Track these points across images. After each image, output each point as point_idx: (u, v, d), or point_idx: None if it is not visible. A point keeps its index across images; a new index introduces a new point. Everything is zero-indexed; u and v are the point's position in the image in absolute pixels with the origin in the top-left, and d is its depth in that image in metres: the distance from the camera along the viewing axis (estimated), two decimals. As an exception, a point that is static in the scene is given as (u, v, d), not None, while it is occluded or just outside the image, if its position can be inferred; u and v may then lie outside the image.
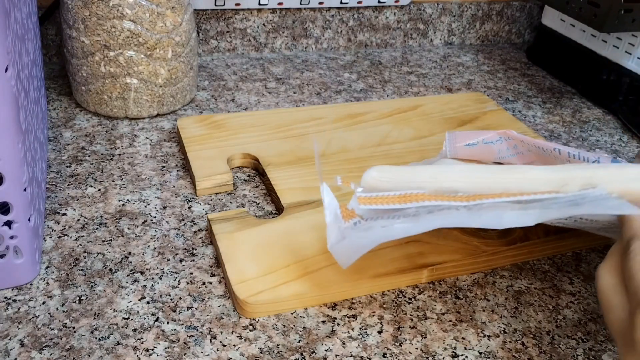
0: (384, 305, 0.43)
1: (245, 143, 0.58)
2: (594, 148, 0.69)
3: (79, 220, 0.49)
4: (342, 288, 0.43)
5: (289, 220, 0.48)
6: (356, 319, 0.42)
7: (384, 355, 0.39)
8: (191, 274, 0.44)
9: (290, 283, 0.42)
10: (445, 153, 0.51)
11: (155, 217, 0.50)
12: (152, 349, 0.38)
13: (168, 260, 0.45)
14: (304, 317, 0.42)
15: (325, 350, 0.39)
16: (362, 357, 0.39)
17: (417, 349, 0.40)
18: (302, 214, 0.49)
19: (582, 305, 0.46)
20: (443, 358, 0.39)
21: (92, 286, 0.42)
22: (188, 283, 0.43)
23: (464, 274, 0.47)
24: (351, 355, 0.39)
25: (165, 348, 0.38)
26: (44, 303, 0.41)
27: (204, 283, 0.43)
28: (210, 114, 0.64)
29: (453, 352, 0.40)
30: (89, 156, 0.57)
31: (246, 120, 0.62)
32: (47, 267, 0.43)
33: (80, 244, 0.46)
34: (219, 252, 0.44)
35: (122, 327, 0.39)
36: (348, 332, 0.41)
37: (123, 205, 0.51)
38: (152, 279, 0.43)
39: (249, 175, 0.56)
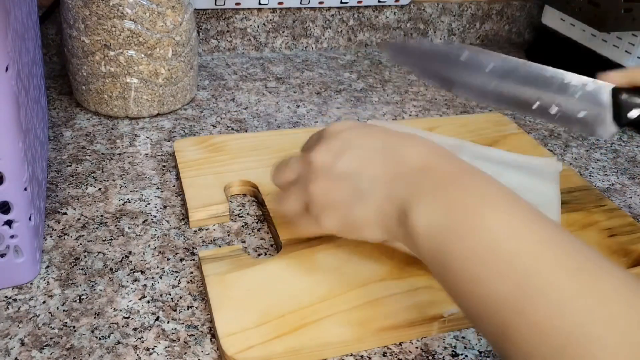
0: None
1: (244, 169, 0.54)
2: (594, 148, 0.69)
3: (79, 219, 0.49)
4: (343, 343, 0.38)
5: (287, 260, 0.44)
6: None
7: (384, 354, 0.39)
8: (191, 273, 0.44)
9: (285, 337, 0.37)
10: None
11: (155, 217, 0.50)
12: (153, 348, 0.38)
13: (168, 259, 0.45)
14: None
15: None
16: None
17: (417, 347, 0.40)
18: (301, 253, 0.45)
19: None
20: (443, 357, 0.39)
21: (92, 285, 0.42)
22: (188, 282, 0.43)
23: None
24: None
25: (166, 347, 0.38)
26: (44, 302, 0.41)
27: (204, 282, 0.43)
28: (210, 135, 0.59)
29: (453, 351, 0.40)
30: (89, 155, 0.57)
31: (247, 142, 0.58)
32: (48, 267, 0.44)
33: (81, 244, 0.46)
34: (208, 296, 0.40)
35: (123, 326, 0.39)
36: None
37: (123, 204, 0.51)
38: (153, 278, 0.44)
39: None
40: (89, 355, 0.37)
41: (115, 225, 0.48)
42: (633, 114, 0.42)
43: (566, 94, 0.45)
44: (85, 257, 0.45)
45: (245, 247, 0.47)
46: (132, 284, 0.43)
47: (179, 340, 0.39)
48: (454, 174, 0.34)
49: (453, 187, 0.33)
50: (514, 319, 0.28)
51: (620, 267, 0.28)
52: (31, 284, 0.42)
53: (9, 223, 0.39)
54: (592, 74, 0.84)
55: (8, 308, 0.40)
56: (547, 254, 0.28)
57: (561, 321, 0.26)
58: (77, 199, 0.51)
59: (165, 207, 0.51)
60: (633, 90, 0.44)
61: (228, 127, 0.65)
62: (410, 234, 0.34)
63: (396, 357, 0.39)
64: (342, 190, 0.38)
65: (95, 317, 0.40)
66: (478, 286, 0.29)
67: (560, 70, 0.46)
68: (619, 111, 0.43)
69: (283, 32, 0.85)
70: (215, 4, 0.78)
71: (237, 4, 0.79)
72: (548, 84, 0.45)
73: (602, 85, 0.45)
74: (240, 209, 0.52)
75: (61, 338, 0.38)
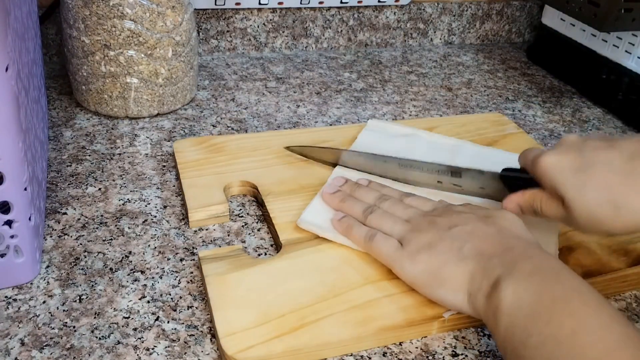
0: None
1: (244, 169, 0.54)
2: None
3: (79, 219, 0.49)
4: (343, 342, 0.38)
5: (287, 261, 0.44)
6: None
7: (384, 354, 0.39)
8: (191, 273, 0.44)
9: (285, 336, 0.37)
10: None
11: (155, 217, 0.50)
12: (153, 348, 0.38)
13: (168, 259, 0.45)
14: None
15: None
16: None
17: (417, 347, 0.40)
18: (301, 253, 0.45)
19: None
20: (443, 357, 0.39)
21: (92, 285, 0.42)
22: (188, 282, 0.43)
23: (480, 325, 0.42)
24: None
25: (166, 347, 0.38)
26: (44, 302, 0.41)
27: (204, 282, 0.43)
28: (212, 135, 0.59)
29: (453, 351, 0.40)
30: (89, 155, 0.57)
31: (247, 143, 0.58)
32: (48, 267, 0.44)
33: (81, 243, 0.46)
34: (208, 296, 0.40)
35: (123, 326, 0.39)
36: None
37: (123, 204, 0.51)
38: (153, 278, 0.44)
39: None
40: (89, 355, 0.37)
41: (115, 225, 0.48)
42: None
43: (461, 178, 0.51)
44: (85, 257, 0.45)
45: (245, 247, 0.47)
46: (132, 284, 0.43)
47: (179, 340, 0.39)
48: (552, 267, 0.37)
49: (548, 276, 0.36)
50: None
51: None
52: (31, 284, 0.42)
53: (9, 223, 0.39)
54: (592, 74, 0.84)
55: (8, 308, 0.40)
56: (621, 353, 0.30)
57: None
58: (77, 199, 0.51)
59: (165, 207, 0.51)
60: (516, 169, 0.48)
61: (228, 127, 0.65)
62: (494, 307, 0.36)
63: (396, 357, 0.39)
64: (445, 247, 0.40)
65: (95, 317, 0.40)
66: None
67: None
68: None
69: (283, 32, 0.85)
70: (215, 4, 0.78)
71: (237, 4, 0.79)
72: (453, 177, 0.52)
73: (493, 173, 0.50)
74: (240, 209, 0.52)
75: (61, 338, 0.38)
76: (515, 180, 0.47)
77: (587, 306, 0.33)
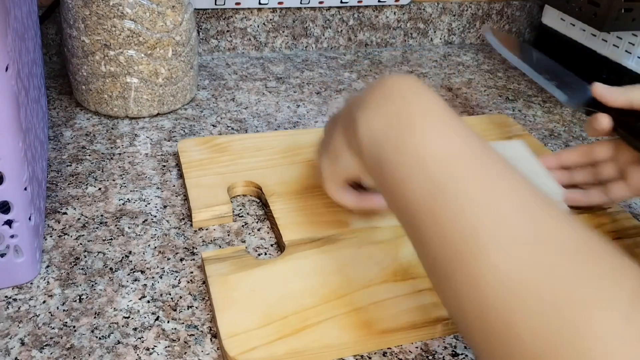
0: None
1: (248, 169, 0.54)
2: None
3: (79, 219, 0.49)
4: (345, 345, 0.38)
5: (290, 262, 0.44)
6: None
7: (384, 354, 0.39)
8: (191, 272, 0.44)
9: (288, 338, 0.37)
10: None
11: (155, 216, 0.50)
12: (153, 348, 0.38)
13: (168, 259, 0.45)
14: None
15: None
16: None
17: (417, 347, 0.40)
18: (305, 254, 0.44)
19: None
20: (443, 357, 0.39)
21: (92, 285, 0.42)
22: (188, 282, 0.43)
23: None
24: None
25: (166, 347, 0.38)
26: (44, 302, 0.41)
27: (204, 282, 0.43)
28: (213, 135, 0.58)
29: (453, 351, 0.40)
30: (89, 155, 0.57)
31: (251, 143, 0.58)
32: (48, 266, 0.44)
33: (81, 243, 0.46)
34: (211, 297, 0.40)
35: (123, 326, 0.39)
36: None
37: (123, 204, 0.51)
38: (153, 278, 0.43)
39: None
40: (89, 355, 0.37)
41: (115, 225, 0.48)
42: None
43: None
44: (85, 257, 0.45)
45: (246, 247, 0.47)
46: (132, 283, 0.43)
47: (179, 340, 0.39)
48: (397, 89, 0.36)
49: (395, 99, 0.35)
50: (425, 220, 0.30)
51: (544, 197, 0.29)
52: (31, 283, 0.42)
53: (9, 223, 0.39)
54: (592, 74, 0.84)
55: (8, 308, 0.40)
56: (475, 171, 0.30)
57: (461, 223, 0.28)
58: (77, 199, 0.51)
59: (165, 206, 0.51)
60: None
61: (228, 127, 0.65)
62: (358, 142, 0.36)
63: (396, 356, 0.39)
64: (326, 132, 0.44)
65: (95, 317, 0.40)
66: (402, 188, 0.31)
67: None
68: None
69: (283, 31, 0.85)
70: (215, 4, 0.78)
71: (237, 3, 0.79)
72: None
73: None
74: (241, 209, 0.52)
75: (61, 338, 0.38)
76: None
77: (436, 127, 0.32)
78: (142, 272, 0.44)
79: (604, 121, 0.48)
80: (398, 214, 0.33)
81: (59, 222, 0.48)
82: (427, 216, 0.30)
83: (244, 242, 0.48)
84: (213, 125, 0.65)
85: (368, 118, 0.35)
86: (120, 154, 0.58)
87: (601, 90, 0.49)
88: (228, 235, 0.48)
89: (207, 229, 0.49)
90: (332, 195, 0.45)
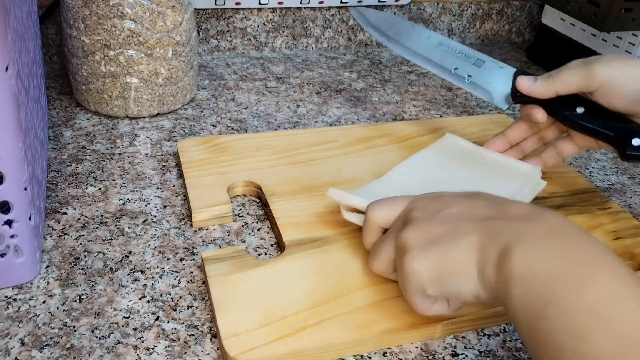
0: None
1: (248, 169, 0.54)
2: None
3: (79, 219, 0.49)
4: (345, 345, 0.38)
5: (290, 262, 0.44)
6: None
7: (384, 354, 0.39)
8: (191, 272, 0.44)
9: (288, 338, 0.37)
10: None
11: (155, 216, 0.50)
12: (153, 348, 0.38)
13: (168, 259, 0.45)
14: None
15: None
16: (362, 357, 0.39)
17: (417, 347, 0.40)
18: (305, 254, 0.44)
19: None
20: (443, 357, 0.39)
21: (92, 285, 0.42)
22: (188, 282, 0.43)
23: (485, 327, 0.42)
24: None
25: (166, 347, 0.38)
26: (44, 302, 0.41)
27: (204, 282, 0.43)
28: (213, 135, 0.58)
29: (453, 351, 0.40)
30: (89, 155, 0.57)
31: (251, 143, 0.58)
32: (48, 266, 0.44)
33: (81, 243, 0.46)
34: (211, 297, 0.40)
35: (123, 326, 0.39)
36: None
37: (123, 204, 0.51)
38: (153, 278, 0.43)
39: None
40: (89, 355, 0.37)
41: (115, 225, 0.48)
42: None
43: (480, 68, 0.57)
44: (85, 257, 0.45)
45: (246, 247, 0.47)
46: (132, 283, 0.43)
47: (179, 340, 0.39)
48: (562, 227, 0.33)
49: (567, 239, 0.32)
50: None
51: None
52: (31, 283, 0.42)
53: (9, 223, 0.39)
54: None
55: (8, 308, 0.40)
56: None
57: None
58: (77, 199, 0.51)
59: (165, 206, 0.51)
60: (531, 74, 0.54)
61: (228, 127, 0.65)
62: (506, 276, 0.31)
63: (396, 356, 0.39)
64: (438, 233, 0.36)
65: (95, 317, 0.40)
66: (570, 339, 0.28)
67: (481, 54, 0.58)
68: (514, 90, 0.54)
69: (283, 31, 0.85)
70: (215, 4, 0.78)
71: (237, 3, 0.79)
72: (467, 58, 0.58)
73: (509, 69, 0.56)
74: (240, 209, 0.52)
75: (61, 338, 0.38)
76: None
77: (615, 275, 0.29)
78: (142, 272, 0.44)
79: (539, 115, 0.52)
80: (544, 347, 0.29)
81: (59, 222, 0.48)
82: None
83: (244, 242, 0.48)
84: (213, 125, 0.65)
85: (528, 252, 0.31)
86: (120, 154, 0.58)
87: (527, 86, 0.53)
88: (228, 235, 0.48)
89: (207, 229, 0.49)
90: (419, 309, 0.38)
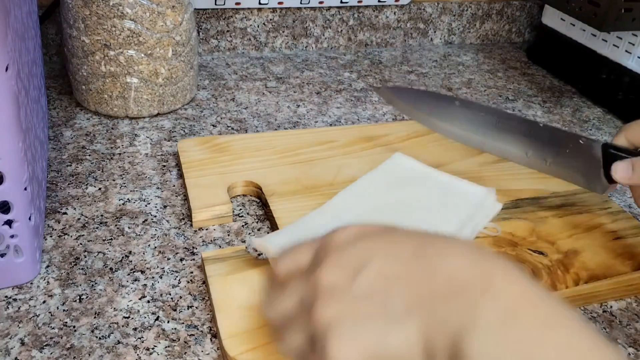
0: None
1: (248, 169, 0.54)
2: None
3: (79, 219, 0.49)
4: None
5: None
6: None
7: (385, 354, 0.39)
8: (191, 272, 0.44)
9: None
10: None
11: (155, 216, 0.50)
12: (153, 348, 0.38)
13: (168, 259, 0.45)
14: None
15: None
16: None
17: (417, 347, 0.40)
18: None
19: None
20: (443, 357, 0.39)
21: (92, 285, 0.42)
22: (188, 282, 0.43)
23: None
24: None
25: (166, 347, 0.38)
26: (44, 302, 0.41)
27: (204, 282, 0.43)
28: (213, 135, 0.58)
29: (453, 351, 0.40)
30: (89, 155, 0.57)
31: (251, 143, 0.58)
32: (48, 266, 0.44)
33: (81, 243, 0.46)
34: (211, 297, 0.40)
35: (123, 326, 0.39)
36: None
37: (123, 204, 0.51)
38: (153, 277, 0.43)
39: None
40: (89, 355, 0.37)
41: (115, 225, 0.48)
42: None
43: (557, 146, 0.43)
44: (85, 257, 0.45)
45: (246, 247, 0.47)
46: (132, 283, 0.43)
47: (179, 340, 0.39)
48: (518, 306, 0.25)
49: (527, 320, 0.25)
50: None
51: None
52: (31, 283, 0.42)
53: (9, 223, 0.39)
54: (592, 74, 0.84)
55: (8, 308, 0.40)
56: None
57: None
58: (77, 199, 0.51)
59: (165, 206, 0.51)
60: (622, 147, 0.43)
61: (228, 127, 0.65)
62: None
63: (396, 356, 0.39)
64: (365, 310, 0.27)
65: (95, 317, 0.40)
66: None
67: (548, 125, 0.47)
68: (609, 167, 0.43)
69: (283, 31, 0.85)
70: (215, 4, 0.78)
71: (237, 3, 0.79)
72: (537, 135, 0.43)
73: (594, 141, 0.44)
74: (241, 209, 0.52)
75: (61, 338, 0.38)
76: (621, 153, 0.43)
77: None
78: (142, 272, 0.44)
79: None
80: None
81: (59, 222, 0.48)
82: None
83: (243, 242, 0.48)
84: (213, 125, 0.65)
85: (484, 346, 0.24)
86: (120, 154, 0.58)
87: (626, 179, 0.42)
88: (228, 235, 0.48)
89: (207, 229, 0.49)
90: None
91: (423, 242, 0.29)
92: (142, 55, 0.60)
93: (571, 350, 0.24)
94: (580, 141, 0.44)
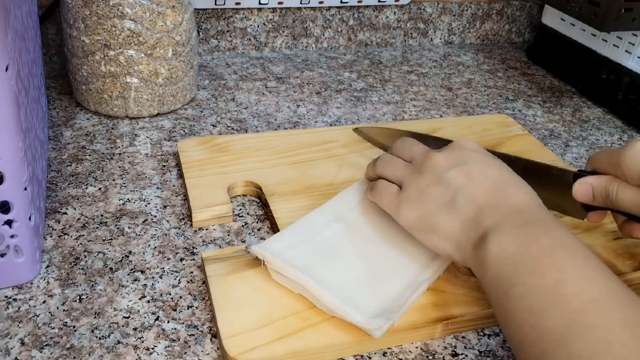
0: None
1: (248, 169, 0.54)
2: (594, 147, 0.69)
3: (79, 219, 0.49)
4: (345, 345, 0.38)
5: None
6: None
7: (384, 354, 0.39)
8: (191, 272, 0.44)
9: (288, 338, 0.37)
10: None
11: (155, 216, 0.50)
12: (153, 348, 0.38)
13: (168, 259, 0.45)
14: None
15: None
16: None
17: (417, 347, 0.40)
18: None
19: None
20: (443, 357, 0.39)
21: (92, 285, 0.42)
22: (188, 282, 0.43)
23: (485, 327, 0.42)
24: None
25: (166, 347, 0.38)
26: (44, 302, 0.41)
27: (204, 282, 0.43)
28: (213, 135, 0.58)
29: (453, 351, 0.40)
30: (89, 155, 0.57)
31: (251, 143, 0.58)
32: (48, 266, 0.44)
33: (81, 243, 0.46)
34: (211, 297, 0.40)
35: (123, 326, 0.39)
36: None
37: (123, 204, 0.51)
38: (153, 277, 0.44)
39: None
40: (89, 355, 0.37)
41: (115, 225, 0.48)
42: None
43: (532, 177, 0.44)
44: (85, 257, 0.45)
45: (246, 247, 0.47)
46: (132, 283, 0.43)
47: (179, 340, 0.39)
48: (542, 220, 0.36)
49: (536, 228, 0.35)
50: (553, 348, 0.30)
51: None
52: (31, 283, 0.42)
53: (9, 223, 0.39)
54: (592, 74, 0.84)
55: (8, 308, 0.40)
56: (605, 303, 0.30)
57: (600, 358, 0.28)
58: (77, 199, 0.51)
59: (165, 206, 0.51)
60: (593, 174, 0.43)
61: (228, 127, 0.65)
62: (481, 258, 0.36)
63: (396, 356, 0.39)
64: (440, 193, 0.40)
65: (95, 317, 0.40)
66: (530, 315, 0.32)
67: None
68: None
69: (283, 31, 0.85)
70: (215, 4, 0.78)
71: (237, 3, 0.79)
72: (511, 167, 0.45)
73: (566, 171, 0.45)
74: (241, 209, 0.52)
75: (61, 338, 0.38)
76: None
77: (573, 258, 0.33)
78: (142, 272, 0.44)
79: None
80: (515, 334, 0.33)
81: (59, 222, 0.48)
82: (555, 345, 0.30)
83: (243, 242, 0.48)
84: (213, 125, 0.65)
85: (502, 239, 0.35)
86: (120, 154, 0.58)
87: (586, 199, 0.44)
88: (228, 235, 0.48)
89: (207, 229, 0.49)
90: (384, 203, 0.43)
91: (507, 173, 0.40)
92: (142, 55, 0.60)
93: (560, 244, 0.34)
94: (553, 172, 0.46)
